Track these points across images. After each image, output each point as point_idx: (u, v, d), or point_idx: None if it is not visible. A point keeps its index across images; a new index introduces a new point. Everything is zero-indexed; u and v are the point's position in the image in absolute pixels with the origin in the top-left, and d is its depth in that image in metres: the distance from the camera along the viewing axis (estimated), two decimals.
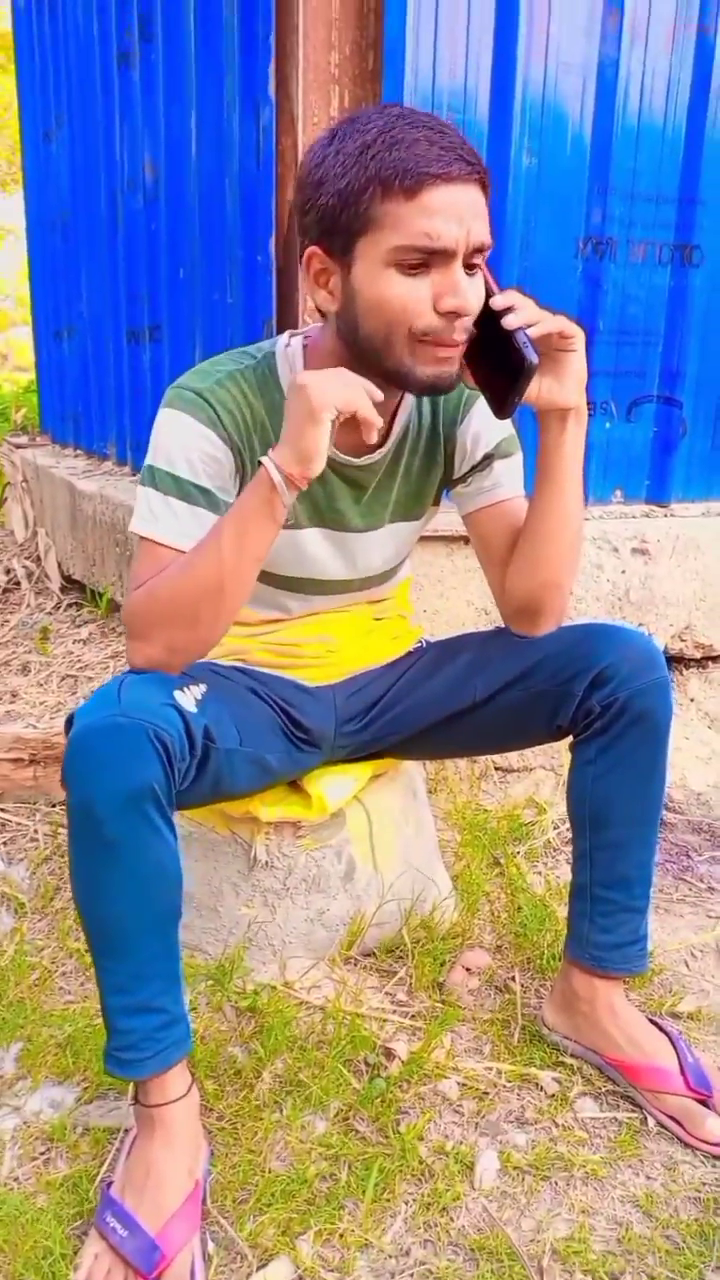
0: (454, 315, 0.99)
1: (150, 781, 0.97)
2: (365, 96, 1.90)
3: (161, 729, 0.98)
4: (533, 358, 0.99)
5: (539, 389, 1.06)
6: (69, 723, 1.00)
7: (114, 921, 1.01)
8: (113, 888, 0.99)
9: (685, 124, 2.12)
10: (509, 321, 0.99)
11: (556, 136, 2.00)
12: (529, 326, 1.00)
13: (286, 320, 2.01)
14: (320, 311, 1.09)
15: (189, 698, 1.06)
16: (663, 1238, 1.06)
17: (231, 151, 2.12)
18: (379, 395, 1.00)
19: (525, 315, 1.00)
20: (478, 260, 1.00)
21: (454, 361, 1.03)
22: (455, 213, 0.96)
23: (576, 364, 1.07)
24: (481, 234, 0.99)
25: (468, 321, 1.01)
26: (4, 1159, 1.14)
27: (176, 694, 1.04)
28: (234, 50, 2.06)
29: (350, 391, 0.98)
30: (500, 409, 1.06)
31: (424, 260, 0.98)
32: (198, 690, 1.10)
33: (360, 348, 1.05)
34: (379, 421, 0.99)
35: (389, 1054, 1.28)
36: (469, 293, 0.99)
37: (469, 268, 1.00)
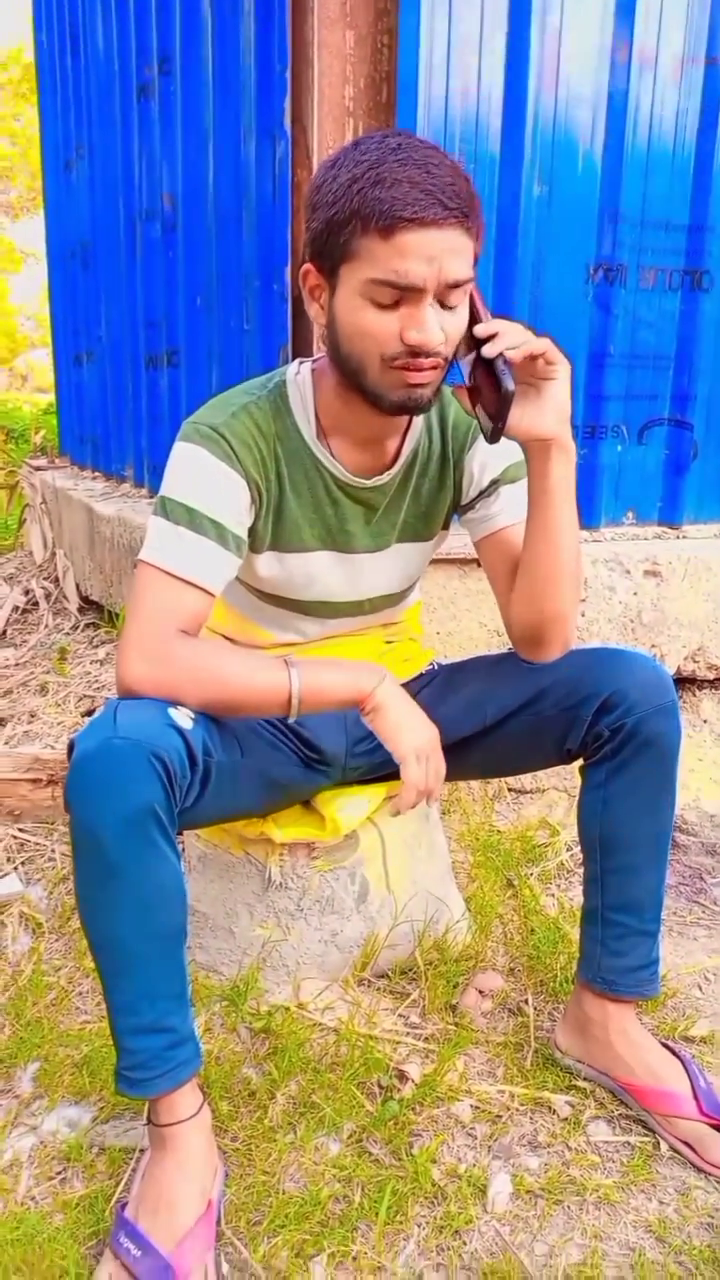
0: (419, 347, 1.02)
1: (150, 802, 0.98)
2: (379, 129, 1.94)
3: (160, 749, 0.99)
4: (509, 385, 1.01)
5: (519, 418, 1.07)
6: (70, 748, 1.02)
7: (119, 942, 1.02)
8: (117, 909, 1.00)
9: (694, 152, 2.14)
10: (487, 350, 1.03)
11: (567, 165, 2.03)
12: (511, 349, 1.02)
13: (302, 346, 2.04)
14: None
15: (184, 714, 1.07)
16: (675, 1264, 1.06)
17: (248, 182, 2.16)
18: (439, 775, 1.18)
19: (506, 341, 1.03)
20: (453, 298, 1.03)
21: (425, 386, 1.06)
22: (426, 253, 0.99)
23: (557, 392, 1.08)
24: (456, 271, 1.01)
25: (445, 350, 1.04)
26: (21, 1178, 1.15)
27: (171, 712, 1.05)
28: (251, 84, 2.10)
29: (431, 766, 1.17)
30: (489, 435, 1.08)
31: (397, 297, 1.01)
32: (190, 708, 1.11)
33: (342, 366, 1.10)
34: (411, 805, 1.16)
35: (402, 1076, 1.29)
36: (433, 328, 1.02)
37: (446, 305, 1.03)
